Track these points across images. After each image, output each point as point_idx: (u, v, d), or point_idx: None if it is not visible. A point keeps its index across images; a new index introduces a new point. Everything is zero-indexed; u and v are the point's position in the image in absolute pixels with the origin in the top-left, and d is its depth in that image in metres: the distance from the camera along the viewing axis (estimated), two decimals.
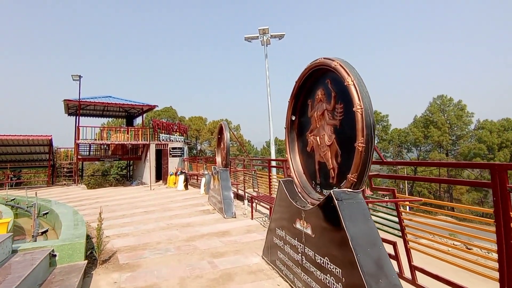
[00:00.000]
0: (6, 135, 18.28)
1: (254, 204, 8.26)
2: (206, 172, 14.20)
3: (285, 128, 4.42)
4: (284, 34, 23.88)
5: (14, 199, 12.45)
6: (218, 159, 10.76)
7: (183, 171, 16.21)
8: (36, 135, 18.83)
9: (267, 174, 9.32)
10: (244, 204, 9.79)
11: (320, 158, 3.61)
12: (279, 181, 4.24)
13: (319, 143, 3.61)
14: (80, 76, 18.41)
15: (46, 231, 7.29)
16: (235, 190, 11.44)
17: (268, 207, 7.52)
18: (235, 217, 8.27)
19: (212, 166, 11.00)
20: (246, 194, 10.12)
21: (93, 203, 12.00)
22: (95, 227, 7.40)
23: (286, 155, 4.35)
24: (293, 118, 4.31)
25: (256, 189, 9.91)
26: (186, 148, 22.14)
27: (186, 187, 15.50)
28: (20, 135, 18.58)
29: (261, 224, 7.52)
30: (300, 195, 3.93)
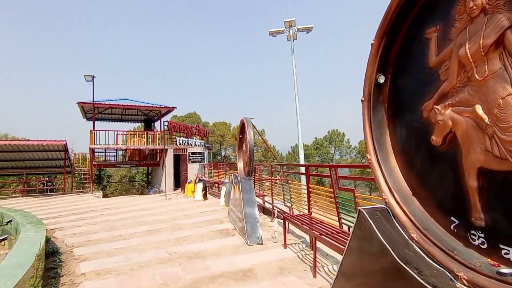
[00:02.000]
0: (20, 140, 17.31)
1: (286, 224, 6.04)
2: (226, 180, 12.15)
3: (361, 101, 2.21)
4: (312, 27, 21.70)
5: None
6: (240, 164, 8.66)
7: (202, 178, 14.29)
8: (51, 140, 17.74)
9: (302, 184, 7.10)
10: (272, 221, 7.60)
11: (490, 159, 1.37)
12: (359, 211, 2.01)
13: (488, 121, 1.37)
14: (93, 77, 17.12)
15: (5, 238, 5.64)
16: (260, 201, 9.27)
17: (307, 233, 5.28)
18: (261, 243, 6.10)
19: (233, 174, 8.92)
20: (275, 210, 7.91)
21: (96, 217, 10.28)
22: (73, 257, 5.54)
23: (368, 156, 2.13)
24: (381, 79, 2.10)
25: (289, 204, 7.68)
26: (206, 153, 20.31)
27: (205, 196, 13.53)
28: (34, 140, 17.58)
29: (298, 256, 5.29)
30: (418, 249, 1.69)
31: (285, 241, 5.83)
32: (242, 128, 8.61)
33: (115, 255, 5.92)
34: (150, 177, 23.13)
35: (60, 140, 18.00)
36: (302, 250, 5.58)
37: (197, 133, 20.64)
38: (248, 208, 6.53)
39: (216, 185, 15.71)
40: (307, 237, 6.12)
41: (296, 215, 6.03)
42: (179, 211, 10.98)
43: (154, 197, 16.21)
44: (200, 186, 13.50)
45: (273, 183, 9.00)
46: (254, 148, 7.76)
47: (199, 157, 19.34)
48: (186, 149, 19.10)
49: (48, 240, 7.17)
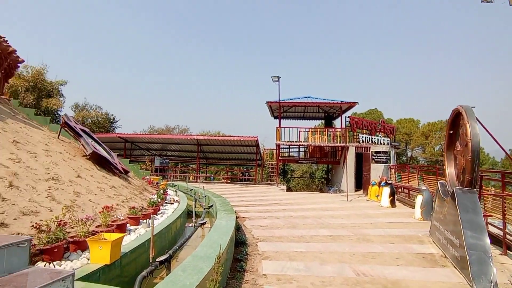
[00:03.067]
0: (224, 136, 20.80)
1: None
2: (423, 188, 9.77)
3: None
4: None
5: (192, 189, 13.56)
6: (450, 169, 6.45)
7: (389, 181, 12.33)
8: (245, 136, 20.42)
9: None
10: (505, 255, 5.15)
11: None
12: None
13: None
14: (278, 77, 18.29)
15: (204, 223, 6.16)
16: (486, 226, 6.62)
17: None
18: None
19: (439, 182, 6.78)
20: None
21: (279, 210, 10.55)
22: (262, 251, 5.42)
23: None
24: None
25: None
26: (393, 153, 17.77)
27: (392, 203, 11.56)
28: (234, 136, 20.71)
29: None
30: None
31: None
32: (454, 120, 6.37)
33: (296, 259, 5.41)
34: (330, 174, 22.79)
35: (252, 136, 20.36)
36: None
37: (382, 130, 18.40)
38: (472, 234, 4.51)
39: (406, 191, 13.24)
40: None
41: None
42: (363, 217, 9.67)
43: (334, 196, 15.55)
44: (386, 190, 11.63)
45: (505, 200, 6.20)
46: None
47: (384, 157, 17.12)
48: (369, 147, 17.34)
49: (239, 228, 7.66)
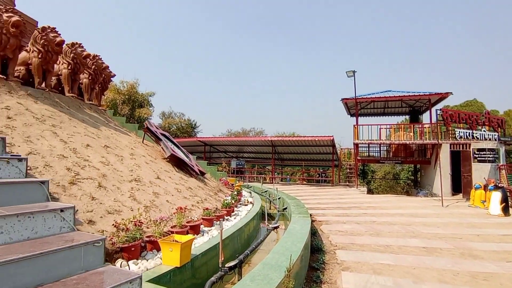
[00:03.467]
0: (298, 136, 20.33)
1: None
2: None
3: None
4: None
5: (266, 191, 13.22)
6: None
7: (500, 185, 10.21)
8: (320, 136, 19.59)
9: None
10: None
11: None
12: None
13: None
14: (354, 72, 17.04)
15: (277, 227, 5.81)
16: None
17: None
18: None
19: None
20: None
21: (360, 215, 9.62)
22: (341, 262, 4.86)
23: None
24: None
25: None
26: (503, 150, 14.83)
27: (505, 211, 9.51)
28: (308, 136, 20.07)
29: None
30: None
31: None
32: None
33: (382, 273, 4.67)
34: (418, 176, 20.34)
35: (328, 136, 19.41)
36: None
37: (486, 123, 15.53)
38: None
39: None
40: None
41: None
42: (466, 226, 8.12)
43: (425, 200, 13.67)
44: (497, 195, 9.62)
45: None
46: None
47: (491, 155, 14.38)
48: (469, 144, 14.79)
49: (315, 233, 7.13)
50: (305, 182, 25.58)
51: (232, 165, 22.37)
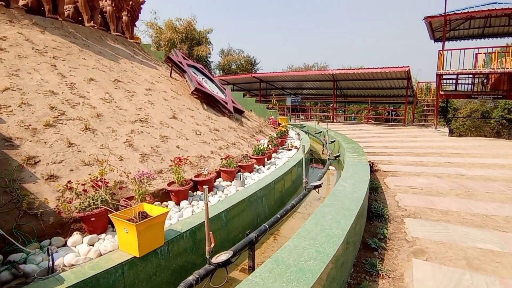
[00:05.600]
0: (364, 69, 17.26)
1: None
2: None
3: None
4: None
5: (320, 132, 11.62)
6: None
7: None
8: (393, 67, 16.22)
9: None
10: None
11: None
12: None
13: None
14: None
15: (319, 186, 4.22)
16: None
17: None
18: None
19: None
20: None
21: (441, 164, 7.38)
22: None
23: None
24: None
25: None
26: None
27: None
28: (378, 68, 16.83)
29: None
30: None
31: None
32: None
33: (482, 268, 2.90)
34: None
35: (403, 67, 15.94)
36: None
37: None
38: None
39: None
40: None
41: None
42: None
43: None
44: None
45: None
46: None
47: None
48: None
49: (375, 189, 5.40)
50: (371, 122, 22.73)
51: (287, 103, 20.49)
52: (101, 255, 2.42)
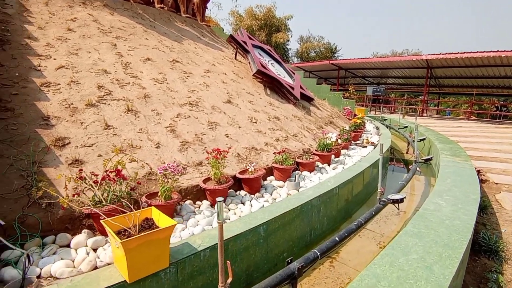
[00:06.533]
0: (469, 53, 14.25)
1: None
2: None
3: None
4: None
5: (406, 127, 9.89)
6: None
7: None
8: (507, 51, 12.96)
9: None
10: None
11: None
12: None
13: None
14: None
15: (401, 200, 3.09)
16: None
17: None
18: None
19: None
20: None
21: None
22: None
23: None
24: None
25: None
26: None
27: None
28: (490, 52, 13.68)
29: None
30: None
31: None
32: None
33: None
34: None
35: None
36: None
37: None
38: None
39: None
40: None
41: None
42: None
43: None
44: None
45: None
46: None
47: None
48: None
49: (484, 209, 3.99)
50: (473, 118, 19.10)
51: (367, 92, 18.40)
52: (96, 267, 1.92)
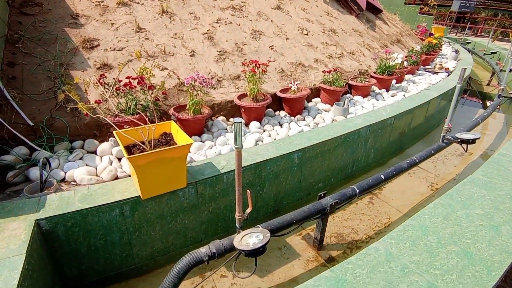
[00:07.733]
0: None
1: None
2: None
3: None
4: None
5: (495, 53, 8.07)
6: None
7: None
8: None
9: None
10: None
11: None
12: None
13: None
14: None
15: (469, 142, 2.65)
16: None
17: None
18: None
19: None
20: None
21: None
22: None
23: None
24: None
25: None
26: None
27: None
28: None
29: None
30: None
31: None
32: None
33: None
34: None
35: None
36: None
37: None
38: None
39: None
40: None
41: None
42: None
43: None
44: None
45: None
46: None
47: None
48: None
49: None
50: None
51: (452, 7, 15.21)
52: (117, 177, 1.86)
